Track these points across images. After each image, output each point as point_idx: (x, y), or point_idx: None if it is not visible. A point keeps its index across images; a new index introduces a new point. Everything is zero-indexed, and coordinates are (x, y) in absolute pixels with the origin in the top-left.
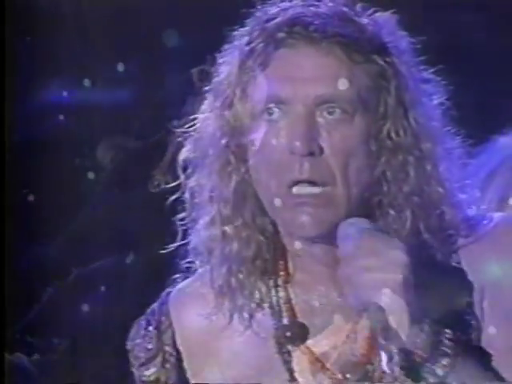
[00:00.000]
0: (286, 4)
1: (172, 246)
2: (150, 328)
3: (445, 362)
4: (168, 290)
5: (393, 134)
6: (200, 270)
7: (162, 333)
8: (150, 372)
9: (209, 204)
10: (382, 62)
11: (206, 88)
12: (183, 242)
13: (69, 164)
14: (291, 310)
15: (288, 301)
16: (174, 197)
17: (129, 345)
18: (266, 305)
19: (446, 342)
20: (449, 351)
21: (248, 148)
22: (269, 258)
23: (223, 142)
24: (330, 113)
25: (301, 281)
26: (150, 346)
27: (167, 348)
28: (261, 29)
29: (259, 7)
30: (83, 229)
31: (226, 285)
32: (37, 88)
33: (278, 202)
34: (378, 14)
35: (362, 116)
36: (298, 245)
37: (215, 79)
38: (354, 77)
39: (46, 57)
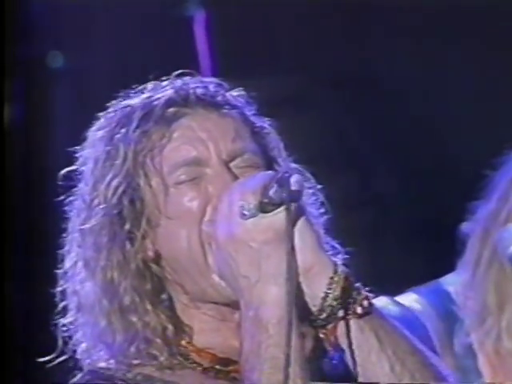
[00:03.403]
0: (157, 86)
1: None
2: None
3: (365, 303)
4: None
5: None
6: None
7: None
8: None
9: (102, 300)
10: (256, 123)
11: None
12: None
13: None
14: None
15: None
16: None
17: None
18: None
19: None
20: (369, 296)
21: (151, 223)
22: (172, 332)
23: (126, 227)
24: (243, 167)
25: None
26: None
27: None
28: (144, 113)
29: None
30: None
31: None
32: None
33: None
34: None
35: (264, 167)
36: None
37: (94, 181)
38: (252, 136)
39: None
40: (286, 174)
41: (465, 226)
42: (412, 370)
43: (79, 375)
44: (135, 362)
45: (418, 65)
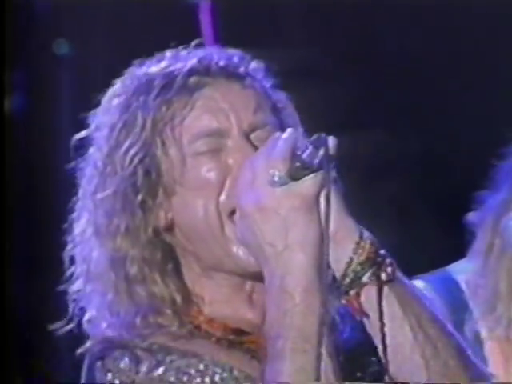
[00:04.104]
0: (176, 55)
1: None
2: None
3: (389, 269)
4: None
5: None
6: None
7: None
8: None
9: (109, 270)
10: (274, 96)
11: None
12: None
13: None
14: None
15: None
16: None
17: None
18: None
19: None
20: (393, 262)
21: (167, 192)
22: (181, 302)
23: (139, 197)
24: (263, 139)
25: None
26: None
27: None
28: (165, 81)
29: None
30: None
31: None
32: None
33: (228, 230)
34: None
35: None
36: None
37: (108, 146)
38: (271, 109)
39: None
40: (323, 136)
41: (472, 216)
42: (434, 338)
43: (90, 343)
44: (146, 331)
45: (432, 36)
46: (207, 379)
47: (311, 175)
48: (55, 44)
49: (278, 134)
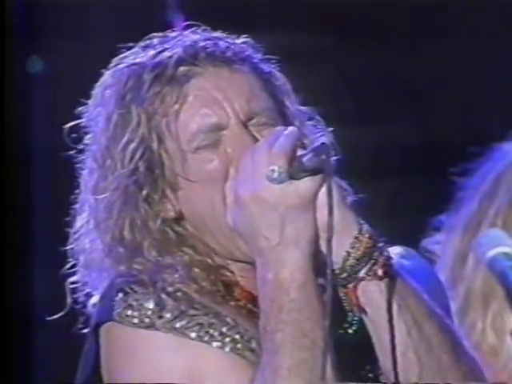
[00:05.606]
0: (164, 40)
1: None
2: None
3: (387, 265)
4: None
5: None
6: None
7: None
8: None
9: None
10: (267, 74)
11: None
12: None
13: None
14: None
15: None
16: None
17: None
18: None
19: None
20: (391, 257)
21: (172, 186)
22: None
23: (144, 193)
24: (260, 125)
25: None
26: None
27: None
28: (155, 74)
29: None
30: None
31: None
32: None
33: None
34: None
35: (279, 120)
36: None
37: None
38: (264, 89)
39: None
40: (324, 144)
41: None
42: (429, 334)
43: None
44: (172, 278)
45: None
46: (228, 347)
47: (309, 177)
48: (30, 61)
49: (280, 128)
